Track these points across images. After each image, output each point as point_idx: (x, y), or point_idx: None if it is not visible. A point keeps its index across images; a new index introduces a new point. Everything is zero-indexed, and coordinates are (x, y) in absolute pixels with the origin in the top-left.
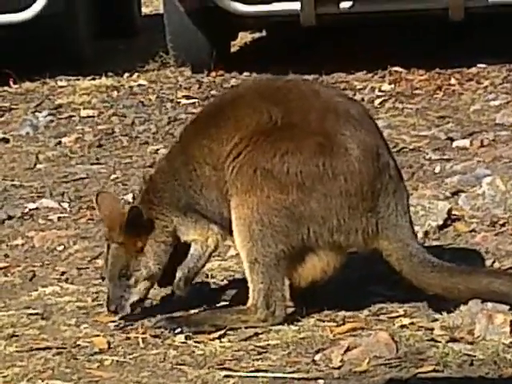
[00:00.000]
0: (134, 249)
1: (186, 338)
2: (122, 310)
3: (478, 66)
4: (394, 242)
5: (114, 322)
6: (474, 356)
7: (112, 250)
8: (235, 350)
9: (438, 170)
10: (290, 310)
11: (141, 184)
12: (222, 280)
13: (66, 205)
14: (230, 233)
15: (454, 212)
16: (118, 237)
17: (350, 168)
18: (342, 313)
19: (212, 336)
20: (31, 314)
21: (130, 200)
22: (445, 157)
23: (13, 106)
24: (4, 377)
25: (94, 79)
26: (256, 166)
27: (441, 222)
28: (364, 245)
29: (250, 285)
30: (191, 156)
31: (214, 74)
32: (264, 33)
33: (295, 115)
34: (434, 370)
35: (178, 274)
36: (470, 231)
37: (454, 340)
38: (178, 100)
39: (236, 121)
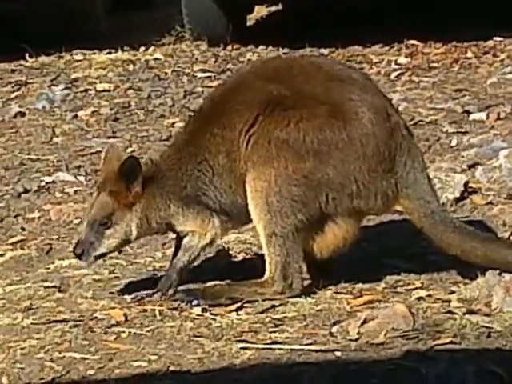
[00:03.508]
0: (123, 201)
1: (203, 310)
2: (87, 258)
3: (495, 38)
4: (414, 199)
5: (130, 294)
6: (492, 328)
7: (102, 196)
8: (252, 323)
9: (454, 142)
10: (306, 283)
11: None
12: (239, 253)
13: (82, 178)
14: (248, 220)
15: (470, 185)
16: (111, 185)
17: (364, 131)
18: (359, 285)
19: (229, 308)
20: (48, 287)
21: None
22: (461, 130)
23: (29, 80)
24: (21, 349)
25: (110, 53)
26: (270, 137)
27: (458, 195)
28: (384, 207)
29: (266, 257)
30: (202, 147)
31: (230, 47)
32: (280, 6)
33: (302, 89)
34: (451, 342)
35: (172, 266)
36: (487, 204)
37: (471, 312)
38: (194, 73)
39: (245, 104)
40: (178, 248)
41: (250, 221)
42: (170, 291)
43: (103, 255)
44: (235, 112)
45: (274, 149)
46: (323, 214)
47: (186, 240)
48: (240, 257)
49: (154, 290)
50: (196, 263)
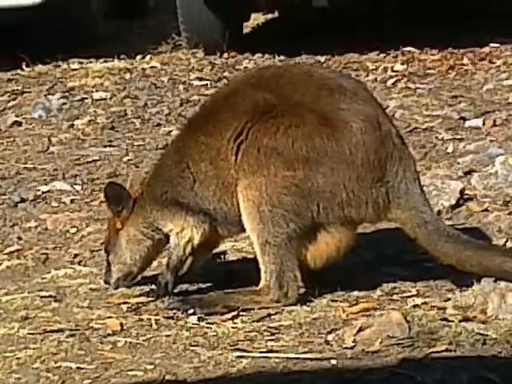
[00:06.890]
0: (114, 227)
1: (199, 319)
2: (111, 284)
3: (491, 45)
4: (406, 210)
5: (126, 303)
6: (487, 335)
7: (107, 222)
8: (248, 331)
9: (450, 149)
10: (302, 291)
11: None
12: (235, 261)
13: (78, 187)
14: (240, 228)
15: (466, 191)
16: (110, 217)
17: (353, 140)
18: (355, 293)
19: (225, 317)
20: (44, 297)
21: None
22: (457, 136)
23: (25, 90)
24: (17, 359)
25: (106, 62)
26: (259, 145)
27: (453, 202)
28: (376, 217)
29: (261, 266)
30: (185, 154)
31: (226, 55)
32: (276, 14)
33: (290, 98)
34: (447, 350)
35: (164, 267)
36: (483, 210)
37: (466, 319)
38: (191, 82)
39: (233, 112)
40: None
41: (243, 230)
42: (169, 286)
43: (123, 279)
44: (223, 120)
45: (264, 157)
46: (315, 223)
47: (170, 241)
48: (236, 265)
49: (153, 288)
50: (184, 268)
